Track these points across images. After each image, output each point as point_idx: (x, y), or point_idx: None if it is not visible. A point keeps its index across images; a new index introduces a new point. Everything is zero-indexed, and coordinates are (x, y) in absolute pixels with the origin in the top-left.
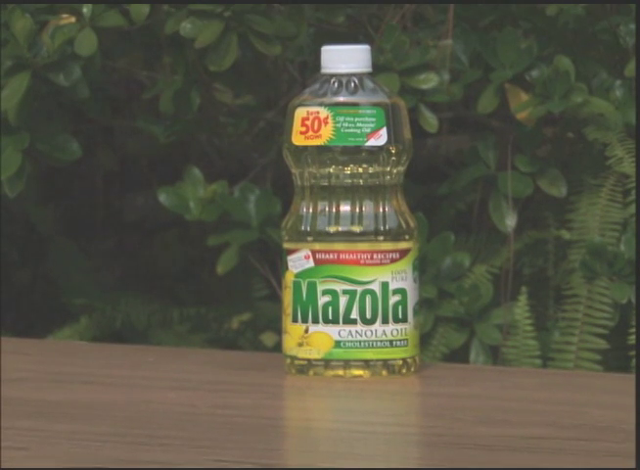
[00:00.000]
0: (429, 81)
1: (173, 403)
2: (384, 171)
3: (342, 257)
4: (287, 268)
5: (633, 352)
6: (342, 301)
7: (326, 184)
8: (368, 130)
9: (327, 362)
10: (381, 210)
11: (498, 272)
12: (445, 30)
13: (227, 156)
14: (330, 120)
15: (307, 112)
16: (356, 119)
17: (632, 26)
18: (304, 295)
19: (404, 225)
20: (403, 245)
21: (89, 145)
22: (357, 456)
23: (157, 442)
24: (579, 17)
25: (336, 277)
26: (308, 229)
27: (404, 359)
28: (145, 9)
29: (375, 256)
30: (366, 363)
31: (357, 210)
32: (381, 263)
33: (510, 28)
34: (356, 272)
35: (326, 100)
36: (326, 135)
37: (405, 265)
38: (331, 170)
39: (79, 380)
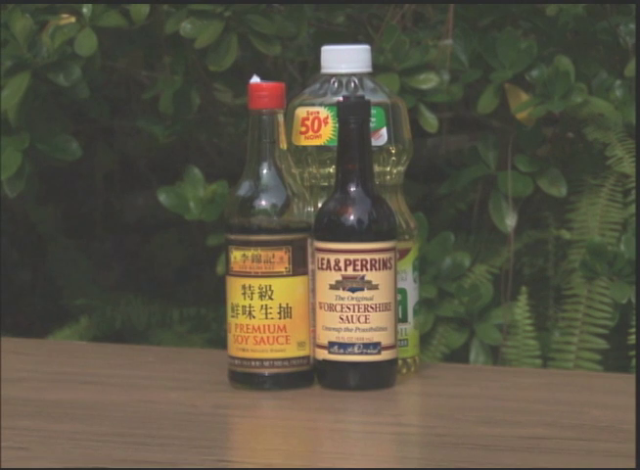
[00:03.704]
0: (429, 81)
1: (173, 403)
2: (384, 171)
3: None
4: None
5: (633, 352)
6: None
7: (326, 184)
8: None
9: None
10: None
11: (498, 272)
12: (445, 30)
13: (227, 156)
14: (330, 120)
15: (307, 112)
16: None
17: (632, 26)
18: None
19: (404, 225)
20: (403, 245)
21: (89, 145)
22: (357, 456)
23: (157, 442)
24: (579, 17)
25: None
26: None
27: (404, 359)
28: (145, 9)
29: None
30: None
31: None
32: None
33: (510, 28)
34: None
35: (326, 100)
36: (326, 135)
37: (405, 265)
38: (331, 170)
39: (79, 380)
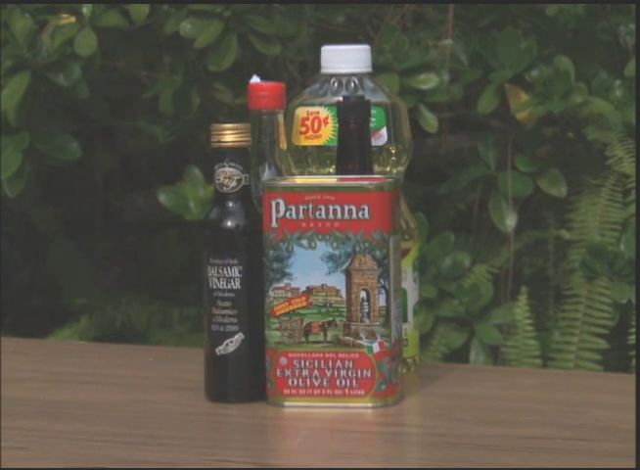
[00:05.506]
0: (429, 81)
1: (173, 403)
2: (384, 171)
3: None
4: None
5: (633, 352)
6: None
7: None
8: None
9: None
10: None
11: (498, 272)
12: (445, 30)
13: None
14: (330, 120)
15: (307, 112)
16: None
17: (632, 26)
18: None
19: (404, 225)
20: (403, 245)
21: (89, 145)
22: (357, 456)
23: (157, 442)
24: (579, 17)
25: None
26: None
27: (404, 359)
28: (145, 9)
29: None
30: None
31: None
32: None
33: (510, 28)
34: None
35: (326, 100)
36: (326, 135)
37: (405, 265)
38: (331, 170)
39: (79, 380)
